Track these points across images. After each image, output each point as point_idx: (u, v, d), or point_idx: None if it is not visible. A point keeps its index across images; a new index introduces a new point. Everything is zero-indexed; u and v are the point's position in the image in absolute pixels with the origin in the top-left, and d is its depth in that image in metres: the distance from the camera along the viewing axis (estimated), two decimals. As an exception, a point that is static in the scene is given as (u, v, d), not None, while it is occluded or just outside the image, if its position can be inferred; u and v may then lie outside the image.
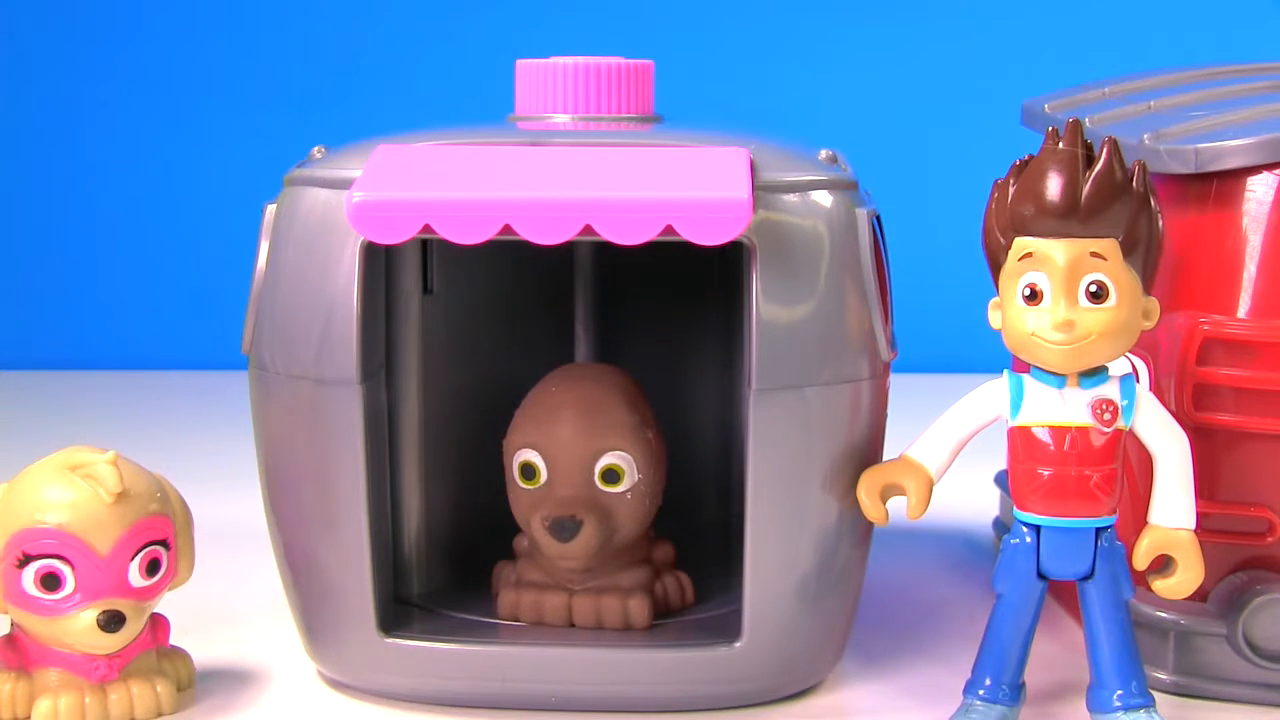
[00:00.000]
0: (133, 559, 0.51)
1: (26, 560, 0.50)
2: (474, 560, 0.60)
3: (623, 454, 0.55)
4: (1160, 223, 0.50)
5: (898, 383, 0.54)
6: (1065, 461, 0.49)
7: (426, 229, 0.48)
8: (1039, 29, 1.26)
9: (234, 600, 0.65)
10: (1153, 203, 0.50)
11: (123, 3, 1.30)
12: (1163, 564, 0.51)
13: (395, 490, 0.58)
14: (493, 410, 0.60)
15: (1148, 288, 0.50)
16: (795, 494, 0.51)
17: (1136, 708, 0.50)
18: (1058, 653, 0.58)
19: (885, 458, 0.53)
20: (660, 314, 0.65)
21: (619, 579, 0.56)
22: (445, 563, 0.60)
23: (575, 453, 0.55)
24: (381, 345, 0.55)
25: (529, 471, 0.56)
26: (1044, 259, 0.49)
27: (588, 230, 0.47)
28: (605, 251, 0.63)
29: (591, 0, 1.25)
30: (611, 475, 0.55)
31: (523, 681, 0.53)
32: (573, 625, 0.56)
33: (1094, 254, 0.49)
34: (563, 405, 0.56)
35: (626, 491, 0.56)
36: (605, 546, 0.55)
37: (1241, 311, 0.53)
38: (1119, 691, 0.50)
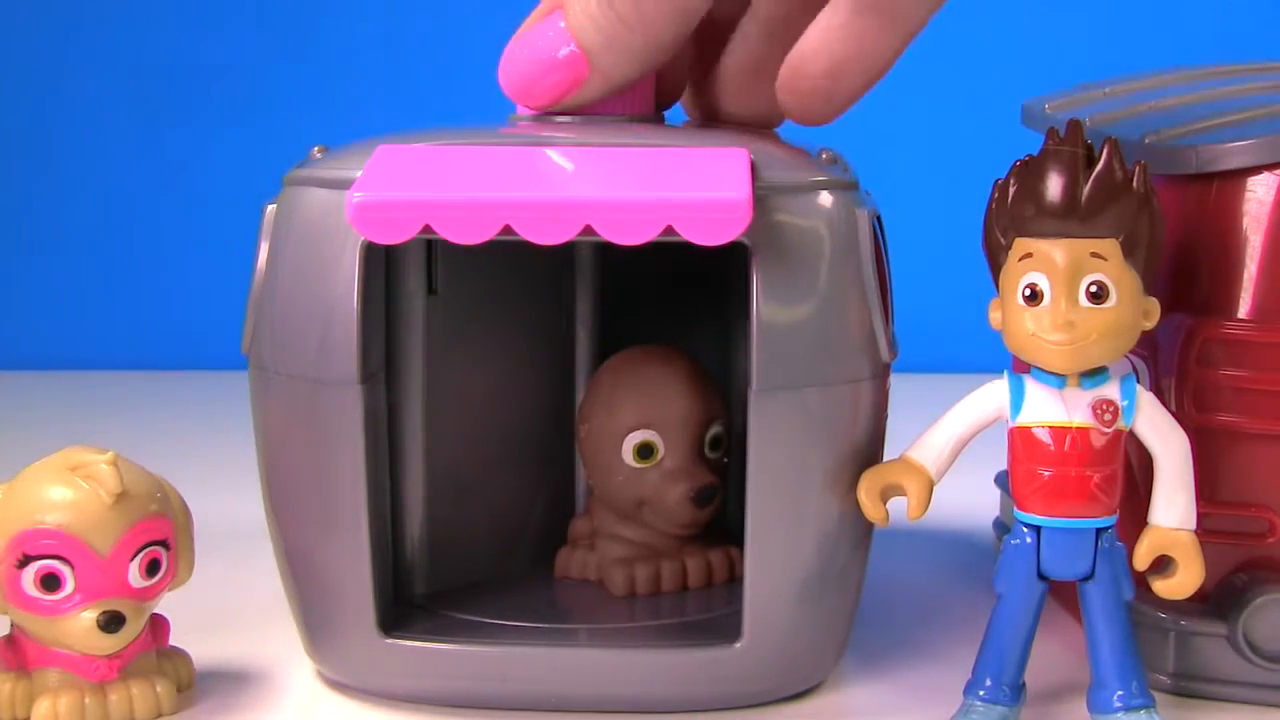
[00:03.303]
0: (133, 559, 0.51)
1: (26, 561, 0.50)
2: (476, 560, 0.60)
3: (722, 421, 0.60)
4: (1161, 223, 0.50)
5: (898, 383, 0.54)
6: (1066, 462, 0.49)
7: (426, 229, 0.47)
8: (1039, 29, 1.26)
9: (234, 600, 0.65)
10: (1153, 203, 0.50)
11: (123, 2, 1.30)
12: (1163, 564, 0.51)
13: (399, 491, 0.58)
14: (495, 410, 0.60)
15: (1148, 288, 0.50)
16: (795, 494, 0.51)
17: (1137, 708, 0.50)
18: (1058, 653, 0.58)
19: (885, 458, 0.53)
20: (661, 314, 0.65)
21: (699, 541, 0.61)
22: (448, 563, 0.60)
23: (692, 425, 0.59)
24: (381, 345, 0.55)
25: (647, 451, 0.59)
26: (1044, 259, 0.49)
27: (588, 230, 0.47)
28: (606, 252, 0.63)
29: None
30: (716, 442, 0.60)
31: (523, 681, 0.53)
32: (686, 588, 0.60)
33: (1094, 254, 0.49)
34: (669, 383, 0.59)
35: (723, 456, 0.60)
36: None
37: (1241, 312, 0.53)
38: (1119, 692, 0.50)
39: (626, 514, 0.60)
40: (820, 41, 0.53)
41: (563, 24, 0.53)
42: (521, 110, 0.57)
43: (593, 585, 0.61)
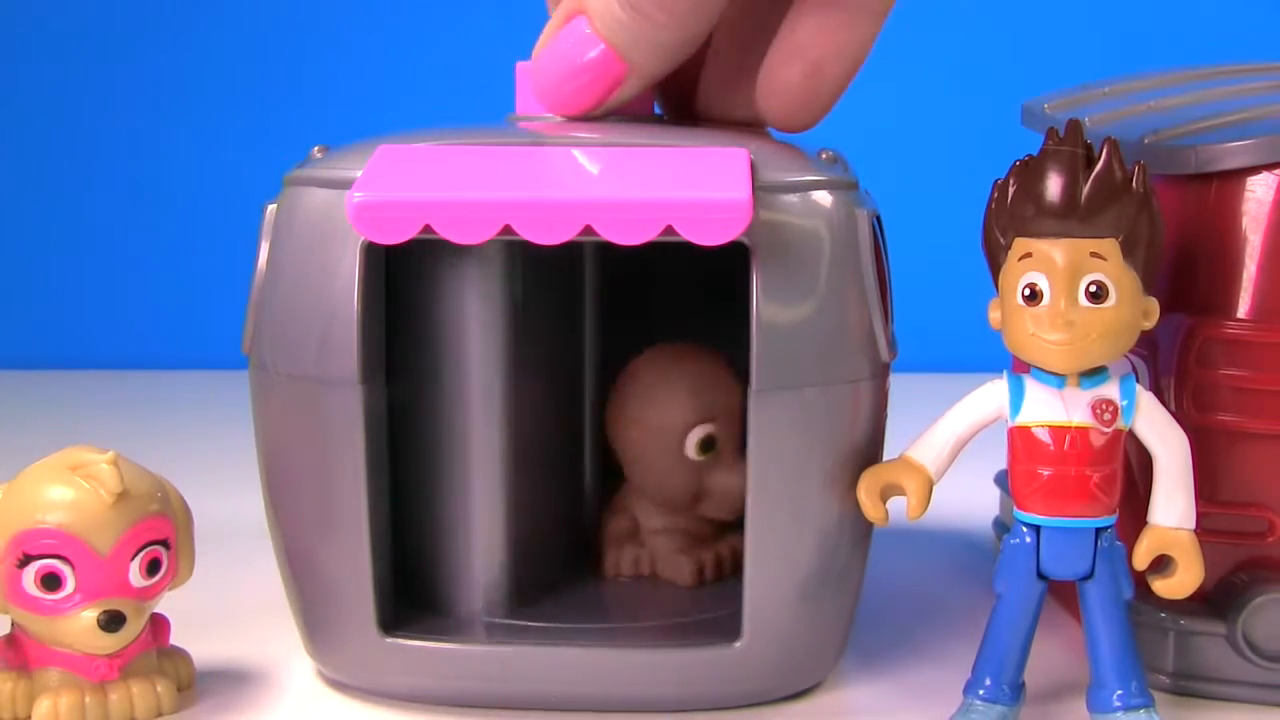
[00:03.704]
0: (133, 559, 0.51)
1: (27, 560, 0.50)
2: (511, 567, 0.59)
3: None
4: (1160, 223, 0.50)
5: (898, 383, 0.54)
6: (1065, 461, 0.50)
7: (427, 229, 0.48)
8: (1039, 29, 1.26)
9: (234, 600, 0.65)
10: (1152, 203, 0.50)
11: (123, 3, 1.30)
12: (1162, 564, 0.51)
13: (472, 509, 0.56)
14: (510, 411, 0.59)
15: (1148, 288, 0.50)
16: (795, 494, 0.51)
17: (1136, 708, 0.50)
18: (1058, 653, 0.58)
19: (885, 458, 0.53)
20: (662, 314, 0.65)
21: (733, 526, 0.61)
22: (513, 578, 0.58)
23: (740, 418, 0.59)
24: (381, 345, 0.55)
25: (709, 444, 0.59)
26: (1044, 259, 0.49)
27: (588, 230, 0.47)
28: (610, 252, 0.63)
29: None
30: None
31: (523, 681, 0.53)
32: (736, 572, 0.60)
33: (1094, 254, 0.49)
34: (718, 377, 0.60)
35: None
36: None
37: (1241, 311, 0.53)
38: (1119, 691, 0.50)
39: (679, 506, 0.61)
40: (794, 44, 0.53)
41: (587, 29, 0.53)
42: (521, 110, 0.57)
43: (593, 584, 0.61)
